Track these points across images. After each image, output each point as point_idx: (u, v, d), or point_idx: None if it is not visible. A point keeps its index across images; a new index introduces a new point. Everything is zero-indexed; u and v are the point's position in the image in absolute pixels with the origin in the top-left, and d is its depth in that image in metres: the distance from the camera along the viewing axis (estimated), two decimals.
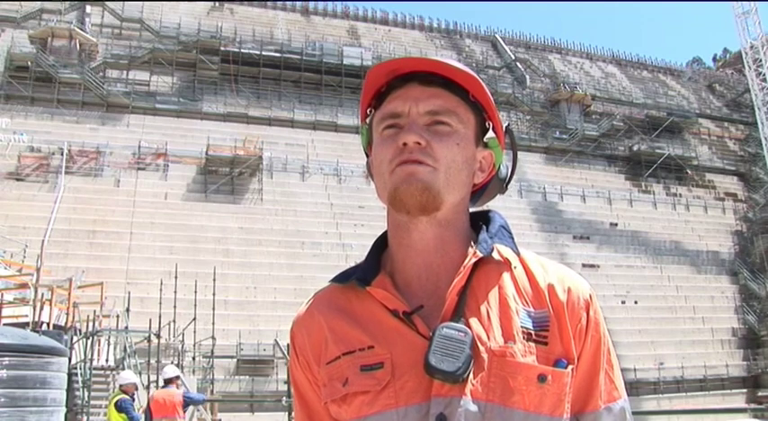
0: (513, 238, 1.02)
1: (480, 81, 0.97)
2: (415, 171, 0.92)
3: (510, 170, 1.07)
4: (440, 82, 0.96)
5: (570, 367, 0.92)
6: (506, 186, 1.07)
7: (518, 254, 1.00)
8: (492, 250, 0.97)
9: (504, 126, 1.03)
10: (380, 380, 0.91)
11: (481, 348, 0.90)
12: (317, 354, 0.99)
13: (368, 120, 1.03)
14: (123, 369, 16.43)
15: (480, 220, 1.03)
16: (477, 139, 1.00)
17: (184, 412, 8.48)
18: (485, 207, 1.09)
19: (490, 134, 1.02)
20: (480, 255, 0.95)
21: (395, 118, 0.96)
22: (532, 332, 0.92)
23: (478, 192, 1.06)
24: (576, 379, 0.94)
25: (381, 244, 1.04)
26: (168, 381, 8.46)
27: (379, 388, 0.90)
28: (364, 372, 0.92)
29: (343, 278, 1.01)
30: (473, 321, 0.92)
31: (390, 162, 0.94)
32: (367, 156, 1.06)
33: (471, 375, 0.88)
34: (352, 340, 0.95)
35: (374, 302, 0.96)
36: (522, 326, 0.92)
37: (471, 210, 1.05)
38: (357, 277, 0.98)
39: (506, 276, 0.97)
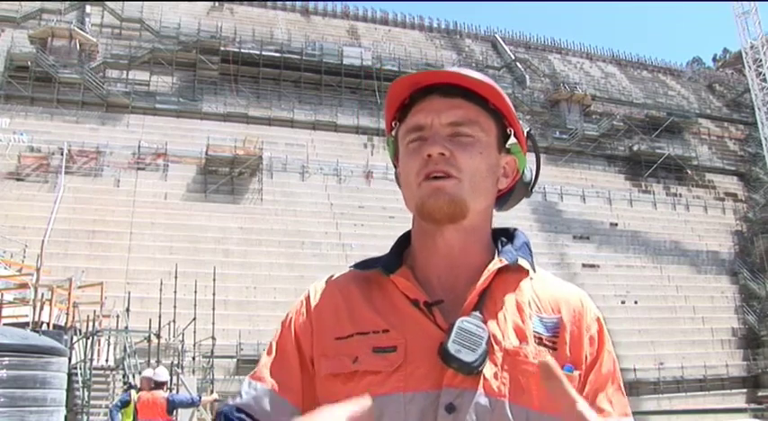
0: (532, 257, 1.06)
1: (499, 89, 1.00)
2: (441, 186, 0.96)
3: (534, 174, 1.10)
4: (460, 93, 0.99)
5: (577, 372, 0.95)
6: (531, 190, 1.11)
7: (534, 270, 1.04)
8: (516, 260, 1.01)
9: (526, 131, 1.07)
10: (392, 363, 0.93)
11: (496, 347, 0.93)
12: (319, 320, 1.01)
13: (393, 133, 1.07)
14: (123, 369, 16.45)
15: (503, 235, 1.07)
16: (500, 146, 1.03)
17: (172, 415, 8.38)
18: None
19: (512, 140, 1.04)
20: (505, 262, 1.00)
21: (419, 131, 1.00)
22: (543, 337, 0.96)
23: (504, 197, 1.09)
24: (585, 389, 0.96)
25: (404, 241, 1.07)
26: (159, 385, 8.40)
27: (391, 369, 0.93)
28: (377, 354, 0.94)
29: (365, 266, 1.04)
30: (490, 321, 0.95)
31: (417, 174, 0.98)
32: (395, 166, 1.09)
33: (485, 370, 0.91)
34: (368, 322, 0.98)
35: (395, 291, 0.99)
36: (534, 331, 0.96)
37: (495, 226, 1.08)
38: (382, 265, 1.01)
39: (524, 285, 1.01)
